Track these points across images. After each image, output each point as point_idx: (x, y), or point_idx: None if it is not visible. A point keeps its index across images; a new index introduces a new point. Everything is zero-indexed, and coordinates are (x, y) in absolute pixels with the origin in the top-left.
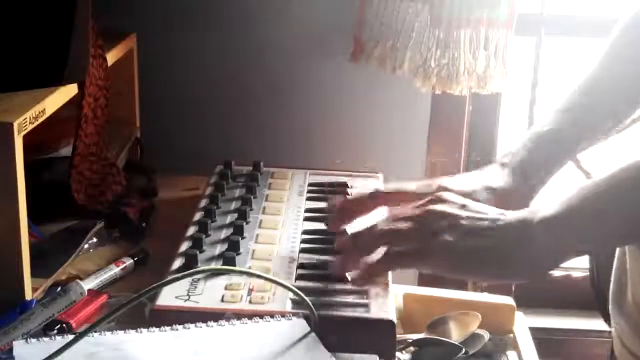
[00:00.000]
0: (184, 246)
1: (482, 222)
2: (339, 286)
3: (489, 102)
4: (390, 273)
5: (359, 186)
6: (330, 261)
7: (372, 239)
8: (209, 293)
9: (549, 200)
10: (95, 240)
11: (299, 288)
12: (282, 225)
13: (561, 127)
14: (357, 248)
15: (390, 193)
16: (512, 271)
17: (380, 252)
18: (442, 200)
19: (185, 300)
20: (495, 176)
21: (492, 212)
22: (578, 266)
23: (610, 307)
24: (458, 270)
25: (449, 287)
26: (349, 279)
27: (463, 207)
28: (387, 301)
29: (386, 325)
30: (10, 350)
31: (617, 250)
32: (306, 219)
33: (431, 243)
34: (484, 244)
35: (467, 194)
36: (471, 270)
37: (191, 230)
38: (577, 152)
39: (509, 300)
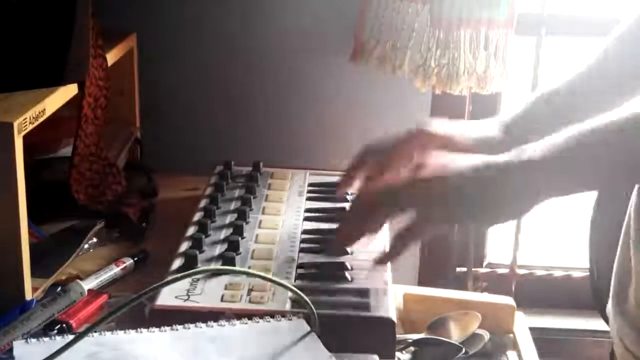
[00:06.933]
0: (184, 246)
1: (467, 170)
2: (339, 286)
3: (489, 102)
4: (390, 273)
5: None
6: (329, 262)
7: (368, 203)
8: (208, 293)
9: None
10: (95, 240)
11: (299, 288)
12: (282, 225)
13: (559, 92)
14: (355, 214)
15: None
16: (493, 214)
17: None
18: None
19: (185, 300)
20: (489, 130)
21: (477, 158)
22: (578, 266)
23: (610, 308)
24: (449, 219)
25: (449, 287)
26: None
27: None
28: (387, 301)
29: (386, 325)
30: (10, 350)
31: (619, 252)
32: (306, 219)
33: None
34: (468, 190)
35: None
36: (460, 215)
37: (191, 230)
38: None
39: (509, 300)
